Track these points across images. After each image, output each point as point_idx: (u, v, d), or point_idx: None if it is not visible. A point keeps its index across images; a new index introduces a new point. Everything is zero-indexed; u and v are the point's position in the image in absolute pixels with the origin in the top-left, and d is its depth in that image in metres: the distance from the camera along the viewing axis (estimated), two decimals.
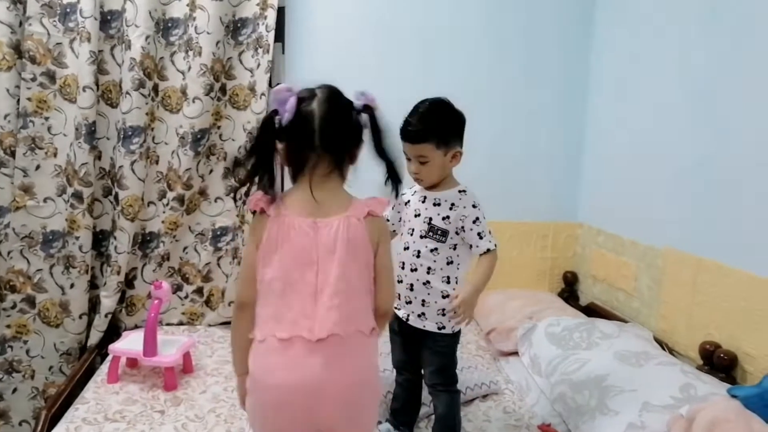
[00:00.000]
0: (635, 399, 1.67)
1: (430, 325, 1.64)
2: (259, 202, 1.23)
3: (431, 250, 1.61)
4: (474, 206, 1.60)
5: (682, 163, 2.15)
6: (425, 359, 1.69)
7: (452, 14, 2.67)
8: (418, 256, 1.63)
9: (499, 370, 2.24)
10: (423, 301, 1.63)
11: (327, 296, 1.19)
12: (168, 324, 2.55)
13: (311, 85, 1.24)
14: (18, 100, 2.21)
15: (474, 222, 1.59)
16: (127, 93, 2.26)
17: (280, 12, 2.44)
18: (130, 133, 2.28)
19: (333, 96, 1.24)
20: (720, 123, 1.97)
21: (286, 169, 1.26)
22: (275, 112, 1.20)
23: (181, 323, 2.57)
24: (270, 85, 2.37)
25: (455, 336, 1.67)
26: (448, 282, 1.62)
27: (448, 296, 1.60)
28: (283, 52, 2.50)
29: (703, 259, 2.01)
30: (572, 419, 1.77)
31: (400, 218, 1.72)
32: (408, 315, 1.67)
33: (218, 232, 2.53)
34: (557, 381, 1.94)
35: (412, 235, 1.65)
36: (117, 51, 2.32)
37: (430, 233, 1.61)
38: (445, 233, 1.60)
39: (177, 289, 2.55)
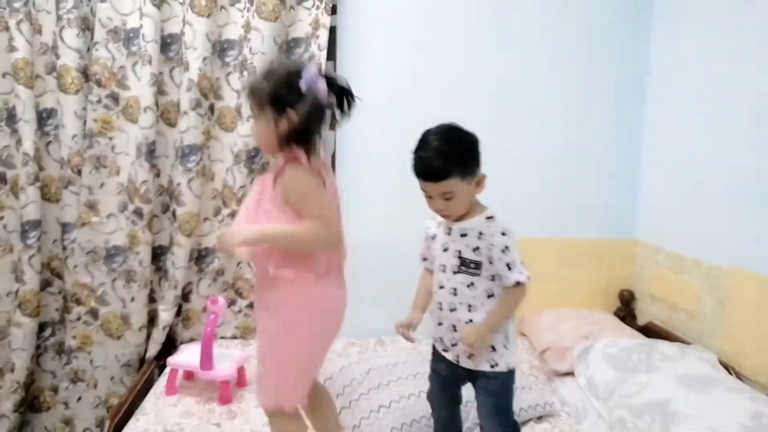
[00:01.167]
0: (701, 426, 1.60)
1: (483, 365, 1.53)
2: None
3: (468, 286, 1.51)
4: (503, 234, 1.47)
5: (749, 177, 2.06)
6: (478, 402, 1.59)
7: (504, 27, 2.65)
8: (455, 294, 1.53)
9: (554, 391, 2.19)
10: None
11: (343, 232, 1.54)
12: (222, 338, 2.61)
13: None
14: (84, 122, 2.32)
15: (503, 251, 1.46)
16: (185, 113, 2.34)
17: (332, 31, 2.48)
18: (187, 151, 2.36)
19: None
20: None
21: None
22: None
23: (234, 337, 2.62)
24: None
25: (510, 374, 1.56)
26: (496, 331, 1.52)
27: (497, 331, 1.51)
28: (335, 71, 2.53)
29: None
30: None
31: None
32: (458, 356, 1.56)
33: None
34: (615, 404, 1.87)
35: (444, 271, 1.55)
36: (176, 73, 2.41)
37: (463, 267, 1.51)
38: (478, 265, 1.49)
39: (231, 303, 2.60)
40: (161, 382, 2.20)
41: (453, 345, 1.56)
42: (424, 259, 1.68)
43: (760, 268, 1.97)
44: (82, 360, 2.43)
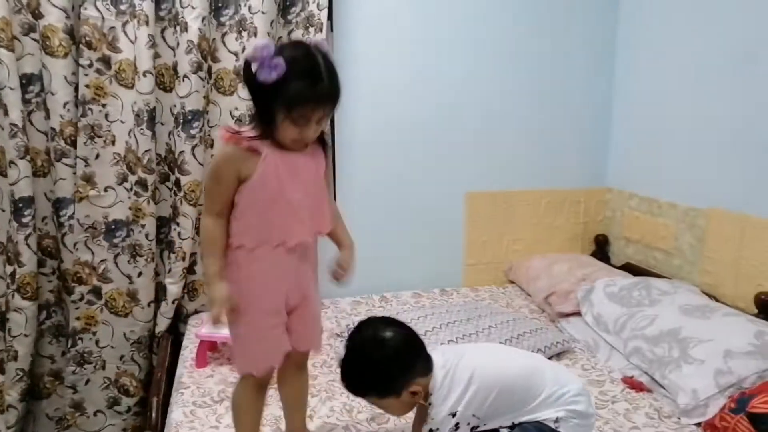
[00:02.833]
0: (716, 348, 1.83)
1: None
2: None
3: None
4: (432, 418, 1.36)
5: (723, 123, 2.29)
6: None
7: None
8: None
9: (561, 331, 2.39)
10: None
11: None
12: None
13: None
14: (75, 88, 2.14)
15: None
16: (185, 77, 2.22)
17: None
18: (189, 117, 2.26)
19: None
20: (763, 82, 2.12)
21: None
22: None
23: None
24: None
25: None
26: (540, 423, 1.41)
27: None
28: (332, 30, 2.49)
29: (750, 216, 2.19)
30: (655, 370, 1.92)
31: None
32: None
33: None
34: (630, 336, 2.09)
35: None
36: (168, 33, 2.27)
37: None
38: None
39: None
40: (185, 355, 2.16)
41: None
42: None
43: (737, 206, 2.24)
44: (87, 341, 2.32)
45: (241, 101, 2.36)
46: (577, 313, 2.41)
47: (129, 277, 2.31)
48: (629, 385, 1.94)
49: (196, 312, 2.50)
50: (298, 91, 1.28)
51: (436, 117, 2.74)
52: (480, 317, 2.24)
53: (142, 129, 2.21)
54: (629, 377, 1.97)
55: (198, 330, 2.14)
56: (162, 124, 2.33)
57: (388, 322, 1.40)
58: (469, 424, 1.37)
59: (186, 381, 1.98)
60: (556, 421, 1.38)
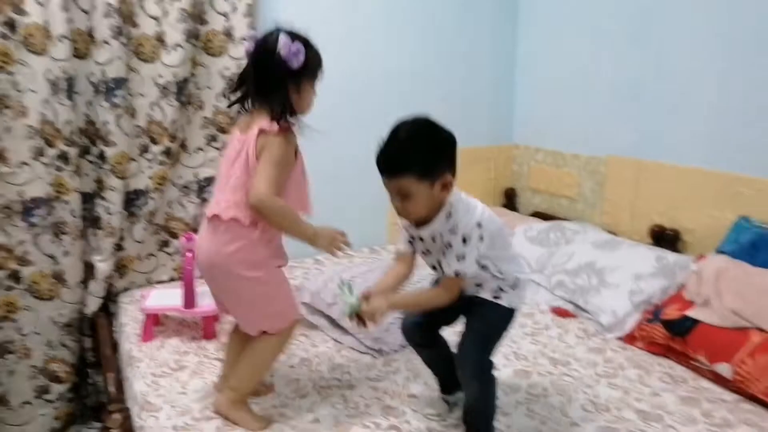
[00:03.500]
0: (627, 273, 2.12)
1: (485, 294, 1.49)
2: None
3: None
4: (460, 228, 1.38)
5: (617, 79, 2.61)
6: (466, 326, 1.53)
7: None
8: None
9: None
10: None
11: (217, 188, 1.59)
12: (158, 282, 2.50)
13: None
14: None
15: (463, 240, 1.39)
16: (105, 42, 2.10)
17: None
18: (112, 85, 2.14)
19: None
20: (653, 44, 2.44)
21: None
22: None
23: (172, 279, 2.53)
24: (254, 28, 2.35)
25: (510, 313, 1.51)
26: (501, 279, 1.49)
27: (501, 283, 1.49)
28: None
29: (643, 160, 2.52)
30: (579, 298, 2.18)
31: (414, 251, 1.54)
32: None
33: (203, 183, 2.49)
34: (552, 272, 2.35)
35: (436, 269, 1.51)
36: None
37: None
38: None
39: (163, 245, 2.49)
40: (128, 332, 2.09)
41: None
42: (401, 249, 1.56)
43: (632, 152, 2.56)
44: (7, 330, 2.16)
45: (165, 68, 2.26)
46: None
47: (53, 257, 2.17)
48: (557, 314, 2.19)
49: (126, 290, 2.41)
50: (316, 57, 1.56)
51: (358, 79, 2.81)
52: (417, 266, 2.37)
53: (60, 98, 2.06)
54: (556, 307, 2.22)
55: (143, 303, 2.08)
56: (77, 93, 2.18)
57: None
58: (486, 239, 1.42)
59: (138, 355, 1.93)
60: (514, 285, 1.50)
